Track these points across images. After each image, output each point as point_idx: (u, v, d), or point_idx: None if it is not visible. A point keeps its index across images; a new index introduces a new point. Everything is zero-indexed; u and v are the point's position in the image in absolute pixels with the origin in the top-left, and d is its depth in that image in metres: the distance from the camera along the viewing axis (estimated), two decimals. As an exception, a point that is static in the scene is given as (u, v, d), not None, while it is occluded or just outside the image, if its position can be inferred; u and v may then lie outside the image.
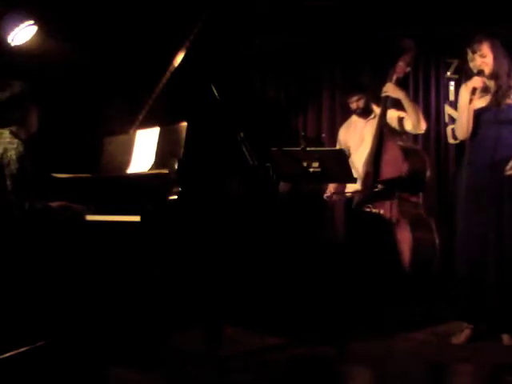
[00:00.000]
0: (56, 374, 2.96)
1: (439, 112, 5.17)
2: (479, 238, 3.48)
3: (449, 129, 5.18)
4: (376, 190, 3.99)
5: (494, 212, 3.45)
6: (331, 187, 4.49)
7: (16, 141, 3.26)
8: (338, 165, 3.65)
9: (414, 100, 5.13)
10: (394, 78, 4.17)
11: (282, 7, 4.93)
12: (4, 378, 2.89)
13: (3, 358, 2.94)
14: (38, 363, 3.04)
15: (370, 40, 5.09)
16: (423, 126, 4.21)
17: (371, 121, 4.34)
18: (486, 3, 4.65)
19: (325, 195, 4.45)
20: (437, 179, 5.12)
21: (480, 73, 3.46)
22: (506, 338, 3.47)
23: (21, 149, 3.24)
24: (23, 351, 3.03)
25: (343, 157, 3.69)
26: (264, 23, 5.03)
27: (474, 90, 3.46)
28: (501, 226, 3.44)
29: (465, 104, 3.50)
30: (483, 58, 3.46)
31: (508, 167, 3.40)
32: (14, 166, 3.20)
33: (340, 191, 4.45)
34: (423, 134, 5.16)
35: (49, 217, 3.31)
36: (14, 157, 3.20)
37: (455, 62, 5.10)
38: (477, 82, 3.47)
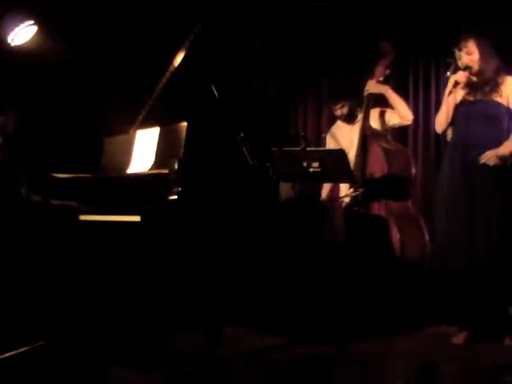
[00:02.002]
0: (56, 374, 2.96)
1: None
2: (455, 239, 3.49)
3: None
4: (357, 193, 4.01)
5: (468, 213, 3.46)
6: (324, 193, 4.50)
7: None
8: (338, 165, 3.65)
9: (414, 100, 5.15)
10: (374, 80, 4.21)
11: (282, 7, 4.93)
12: (4, 378, 2.89)
13: (3, 358, 2.94)
14: (38, 363, 3.04)
15: (370, 40, 5.09)
16: (410, 117, 4.23)
17: (358, 124, 4.34)
18: (486, 3, 4.65)
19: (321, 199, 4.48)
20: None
21: (467, 69, 3.48)
22: (507, 338, 3.47)
23: (0, 140, 3.23)
24: (23, 351, 3.03)
25: (343, 157, 3.69)
26: (264, 23, 5.03)
27: (455, 84, 3.49)
28: (473, 226, 3.44)
29: (445, 97, 3.53)
30: (469, 55, 3.48)
31: (481, 157, 3.40)
32: None
33: (332, 196, 4.46)
34: (424, 134, 5.19)
35: (48, 211, 3.31)
36: None
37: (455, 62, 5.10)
38: (460, 76, 3.49)
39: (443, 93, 5.08)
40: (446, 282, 3.57)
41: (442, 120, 3.61)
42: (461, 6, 4.74)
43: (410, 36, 5.04)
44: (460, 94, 3.53)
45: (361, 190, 3.96)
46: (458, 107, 3.54)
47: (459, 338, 3.56)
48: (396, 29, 4.92)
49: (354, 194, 4.01)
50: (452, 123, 3.59)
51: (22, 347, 3.04)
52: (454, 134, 3.60)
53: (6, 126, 3.43)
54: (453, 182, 3.52)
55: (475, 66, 3.48)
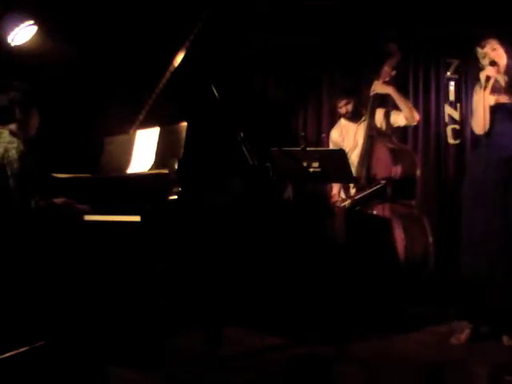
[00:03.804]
0: (56, 374, 2.96)
1: (439, 112, 5.17)
2: (484, 235, 3.47)
3: (449, 129, 5.18)
4: (379, 186, 4.00)
5: (501, 210, 3.45)
6: (335, 190, 4.48)
7: (16, 140, 3.26)
8: (338, 165, 3.65)
9: (414, 100, 5.15)
10: (380, 81, 4.25)
11: (282, 7, 4.93)
12: (4, 378, 2.89)
13: (3, 358, 2.94)
14: (38, 363, 3.03)
15: (369, 40, 5.09)
16: (416, 117, 4.26)
17: (363, 124, 4.34)
18: (486, 2, 4.65)
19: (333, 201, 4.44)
20: (437, 179, 5.12)
21: (493, 64, 3.46)
22: (505, 338, 3.47)
23: (22, 148, 3.23)
24: (23, 351, 3.03)
25: (343, 157, 3.69)
26: (264, 23, 5.03)
27: (488, 78, 3.44)
28: (507, 224, 3.44)
29: (480, 97, 3.47)
30: (495, 50, 3.47)
31: None
32: (16, 165, 3.19)
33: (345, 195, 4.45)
34: (424, 134, 5.19)
35: (53, 214, 3.31)
36: (15, 156, 3.20)
37: (455, 62, 5.11)
38: (490, 71, 3.45)
39: (443, 93, 5.15)
40: (467, 280, 3.54)
41: (480, 119, 3.48)
42: (461, 6, 4.74)
43: (410, 36, 5.04)
44: (489, 91, 3.48)
45: (383, 182, 3.96)
46: (491, 110, 3.48)
47: (458, 338, 3.56)
48: (396, 28, 4.92)
49: (375, 188, 4.00)
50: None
51: (22, 347, 3.04)
52: (492, 134, 3.50)
53: (28, 130, 3.42)
54: (486, 180, 3.47)
55: (502, 61, 3.47)
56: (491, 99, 3.48)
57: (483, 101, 3.45)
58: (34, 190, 3.25)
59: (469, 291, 3.54)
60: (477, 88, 3.58)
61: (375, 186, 4.03)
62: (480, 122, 3.50)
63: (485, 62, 3.50)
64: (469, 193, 3.59)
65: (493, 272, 3.46)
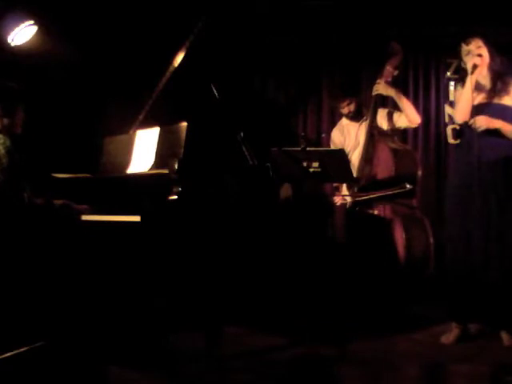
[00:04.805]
0: (56, 374, 2.96)
1: (439, 112, 5.17)
2: (468, 237, 3.48)
3: (449, 129, 5.16)
4: (404, 190, 3.98)
5: (483, 210, 3.45)
6: (340, 187, 4.47)
7: (1, 136, 3.26)
8: (338, 165, 3.65)
9: (414, 100, 5.15)
10: (383, 81, 4.22)
11: (282, 7, 4.93)
12: (4, 378, 2.89)
13: (3, 358, 2.94)
14: (37, 363, 3.03)
15: (369, 40, 5.09)
16: (418, 120, 4.25)
17: (364, 123, 4.34)
18: (486, 3, 4.65)
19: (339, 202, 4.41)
20: (436, 179, 5.12)
21: (480, 55, 3.45)
22: (505, 338, 3.47)
23: (8, 143, 3.23)
24: (23, 351, 3.02)
25: (343, 157, 3.69)
26: (264, 23, 5.04)
27: (475, 66, 3.43)
28: (488, 225, 3.44)
29: (465, 86, 3.47)
30: (479, 48, 3.48)
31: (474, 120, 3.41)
32: (4, 160, 3.19)
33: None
34: (424, 134, 5.19)
35: (50, 213, 3.31)
36: (3, 151, 3.20)
37: (455, 62, 5.09)
38: (477, 60, 3.45)
39: (443, 93, 5.14)
40: (455, 281, 3.55)
41: (464, 107, 3.49)
42: (461, 6, 4.74)
43: (410, 36, 5.04)
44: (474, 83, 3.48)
45: (409, 186, 3.94)
46: (475, 109, 3.48)
47: (448, 338, 3.57)
48: (395, 28, 4.92)
49: (400, 191, 3.98)
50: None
51: (21, 347, 3.04)
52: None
53: (13, 127, 3.42)
54: (471, 183, 3.45)
55: (486, 58, 3.46)
56: (475, 99, 3.49)
57: (470, 85, 3.43)
58: (24, 185, 3.25)
59: (456, 293, 3.55)
60: (458, 86, 3.57)
61: (400, 188, 3.98)
62: (464, 107, 3.48)
63: (467, 58, 3.50)
64: (453, 193, 3.59)
65: (485, 273, 3.46)
